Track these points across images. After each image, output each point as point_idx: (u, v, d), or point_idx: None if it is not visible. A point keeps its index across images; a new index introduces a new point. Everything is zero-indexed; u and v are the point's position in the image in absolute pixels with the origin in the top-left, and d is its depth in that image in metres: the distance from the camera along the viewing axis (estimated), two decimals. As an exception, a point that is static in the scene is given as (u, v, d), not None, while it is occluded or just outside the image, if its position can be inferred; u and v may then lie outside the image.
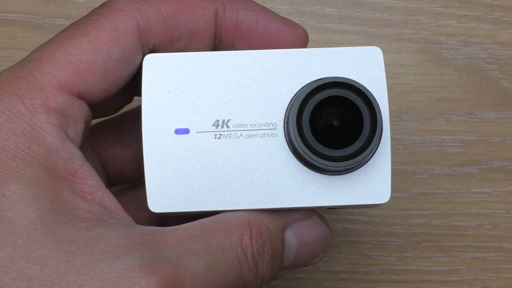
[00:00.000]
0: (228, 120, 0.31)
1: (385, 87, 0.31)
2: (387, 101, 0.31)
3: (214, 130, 0.31)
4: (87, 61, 0.30)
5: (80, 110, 0.30)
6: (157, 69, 0.31)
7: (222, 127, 0.31)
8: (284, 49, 0.31)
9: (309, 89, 0.30)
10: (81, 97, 0.30)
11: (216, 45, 0.33)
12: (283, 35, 0.33)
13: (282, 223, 0.31)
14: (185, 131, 0.31)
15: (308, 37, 0.33)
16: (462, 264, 0.44)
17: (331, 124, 0.30)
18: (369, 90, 0.30)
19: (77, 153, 0.29)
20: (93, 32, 0.30)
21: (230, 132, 0.31)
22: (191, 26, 0.31)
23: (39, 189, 0.28)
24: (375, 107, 0.30)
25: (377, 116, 0.30)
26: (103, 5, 0.31)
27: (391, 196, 0.32)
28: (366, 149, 0.30)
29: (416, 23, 0.44)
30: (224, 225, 0.30)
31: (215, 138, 0.31)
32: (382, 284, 0.43)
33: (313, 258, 0.33)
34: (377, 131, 0.30)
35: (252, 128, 0.31)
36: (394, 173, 0.44)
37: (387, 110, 0.31)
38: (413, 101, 0.44)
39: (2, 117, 0.28)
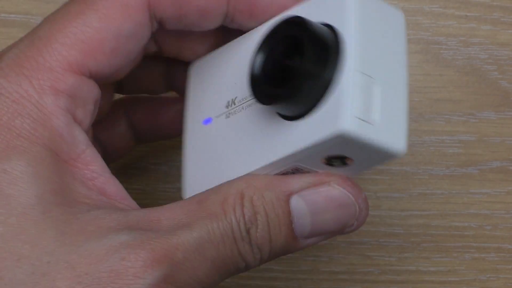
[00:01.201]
0: (235, 98, 0.32)
1: (352, 21, 0.28)
2: (354, 36, 0.28)
3: (226, 110, 0.32)
4: (97, 39, 0.29)
5: (90, 91, 0.30)
6: (198, 73, 0.33)
7: (231, 105, 0.32)
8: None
9: (264, 36, 0.30)
10: (91, 76, 0.30)
11: (227, 24, 0.33)
12: None
13: (285, 191, 0.30)
14: (208, 120, 0.33)
15: None
16: (461, 265, 0.44)
17: (278, 63, 0.29)
18: (310, 21, 0.28)
19: (82, 138, 0.29)
20: (102, 8, 0.29)
21: (236, 108, 0.32)
22: (201, 4, 0.31)
23: (41, 168, 0.28)
24: (319, 37, 0.28)
25: (320, 43, 0.28)
26: None
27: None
28: (307, 80, 0.28)
29: (416, 24, 0.44)
30: (219, 196, 0.29)
31: (225, 118, 0.32)
32: (381, 284, 0.43)
33: (343, 225, 0.31)
34: (323, 58, 0.28)
35: (250, 98, 0.31)
36: (393, 174, 0.44)
37: (357, 42, 0.28)
38: (413, 102, 0.44)
39: (10, 98, 0.28)
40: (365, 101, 0.28)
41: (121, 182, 0.45)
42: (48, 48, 0.29)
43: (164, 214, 0.29)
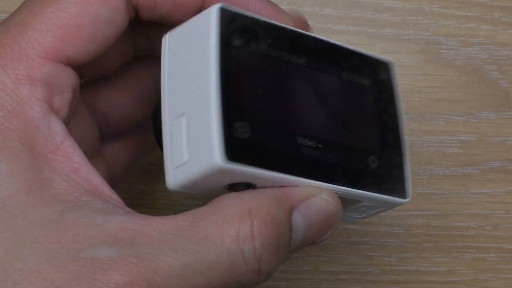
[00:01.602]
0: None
1: (164, 67, 0.29)
2: (163, 83, 0.29)
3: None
4: (74, 24, 0.28)
5: (67, 78, 0.29)
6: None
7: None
8: None
9: None
10: (68, 63, 0.29)
11: None
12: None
13: (289, 206, 0.28)
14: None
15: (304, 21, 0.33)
16: (461, 265, 0.44)
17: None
18: None
19: (59, 128, 0.28)
20: None
21: None
22: None
23: (16, 164, 0.26)
24: None
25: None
26: None
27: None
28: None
29: (416, 24, 0.44)
30: (220, 216, 0.26)
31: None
32: (381, 284, 0.43)
33: (321, 236, 0.30)
34: None
35: None
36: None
37: (164, 89, 0.30)
38: (413, 102, 0.44)
39: None
40: (176, 148, 0.28)
41: (121, 182, 0.45)
42: (23, 35, 0.28)
43: (151, 226, 0.26)
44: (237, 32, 0.29)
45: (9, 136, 0.27)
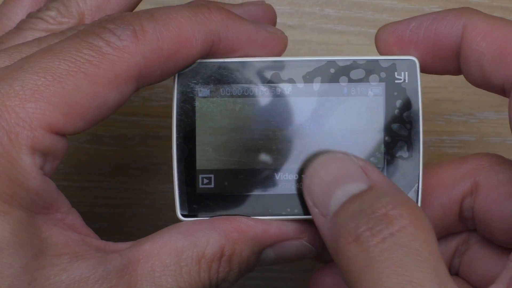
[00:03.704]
0: None
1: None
2: None
3: None
4: (84, 106, 0.29)
5: (62, 148, 0.29)
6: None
7: None
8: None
9: None
10: (65, 134, 0.29)
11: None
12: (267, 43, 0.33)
13: (262, 245, 0.32)
14: None
15: (282, 40, 0.33)
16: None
17: None
18: None
19: (52, 187, 0.29)
20: (93, 73, 0.28)
21: None
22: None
23: (22, 234, 0.28)
24: None
25: None
26: (104, 35, 0.29)
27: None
28: None
29: (416, 24, 0.44)
30: (198, 252, 0.31)
31: None
32: (381, 284, 0.43)
33: (287, 263, 0.34)
34: None
35: None
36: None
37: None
38: (413, 102, 0.44)
39: None
40: None
41: (121, 182, 0.45)
42: (31, 103, 0.28)
43: (142, 268, 0.30)
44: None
45: (13, 205, 0.28)
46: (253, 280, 0.44)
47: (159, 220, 0.44)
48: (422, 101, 0.33)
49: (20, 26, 0.32)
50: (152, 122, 0.44)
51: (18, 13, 0.33)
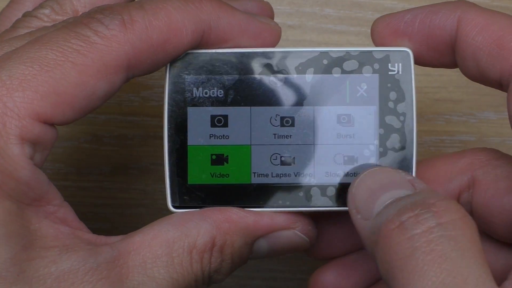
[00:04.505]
0: None
1: None
2: None
3: None
4: (72, 95, 0.28)
5: (52, 138, 0.29)
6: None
7: None
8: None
9: None
10: (53, 124, 0.29)
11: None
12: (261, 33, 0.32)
13: (255, 235, 0.32)
14: None
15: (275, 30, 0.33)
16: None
17: None
18: None
19: (43, 178, 0.29)
20: (81, 63, 0.28)
21: None
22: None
23: (11, 225, 0.28)
24: None
25: None
26: (92, 24, 0.29)
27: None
28: None
29: (416, 24, 0.44)
30: (189, 243, 0.30)
31: None
32: (381, 284, 0.43)
33: (286, 254, 0.34)
34: None
35: None
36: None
37: None
38: (413, 102, 0.44)
39: None
40: None
41: (121, 182, 0.45)
42: (19, 92, 0.28)
43: (133, 259, 0.30)
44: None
45: (2, 195, 0.28)
46: (253, 280, 0.44)
47: (159, 220, 0.44)
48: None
49: (15, 25, 0.32)
50: (152, 122, 0.44)
51: (19, 16, 0.33)
